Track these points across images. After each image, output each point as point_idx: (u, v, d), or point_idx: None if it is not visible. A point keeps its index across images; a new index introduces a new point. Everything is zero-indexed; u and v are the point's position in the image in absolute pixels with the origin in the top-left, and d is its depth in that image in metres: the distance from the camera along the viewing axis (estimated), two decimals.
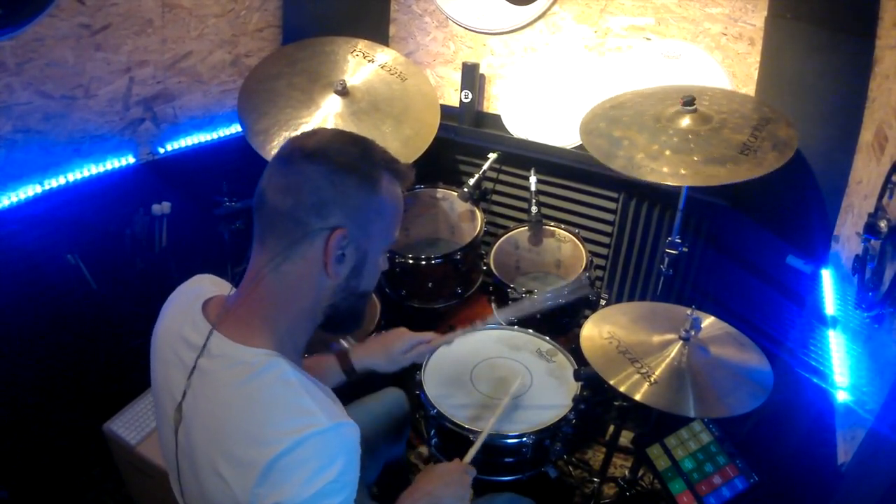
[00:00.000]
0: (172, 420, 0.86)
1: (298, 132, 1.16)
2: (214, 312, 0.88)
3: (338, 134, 0.87)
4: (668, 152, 1.49)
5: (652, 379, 1.29)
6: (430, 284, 1.97)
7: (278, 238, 0.82)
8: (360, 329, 1.01)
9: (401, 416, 1.49)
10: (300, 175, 0.81)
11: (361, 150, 0.85)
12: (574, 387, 1.49)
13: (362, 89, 1.95)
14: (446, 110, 2.16)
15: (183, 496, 0.92)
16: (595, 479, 1.85)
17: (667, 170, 1.46)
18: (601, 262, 2.19)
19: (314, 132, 0.88)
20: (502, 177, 2.26)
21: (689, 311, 1.36)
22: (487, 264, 1.97)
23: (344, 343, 1.27)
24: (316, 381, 0.84)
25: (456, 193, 2.13)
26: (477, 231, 2.03)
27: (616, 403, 1.74)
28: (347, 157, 0.83)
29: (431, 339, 1.30)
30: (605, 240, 2.19)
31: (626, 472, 1.77)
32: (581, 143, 1.66)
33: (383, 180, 0.85)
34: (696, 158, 1.45)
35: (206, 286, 0.96)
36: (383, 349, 1.27)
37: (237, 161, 1.98)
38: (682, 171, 1.44)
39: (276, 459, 0.72)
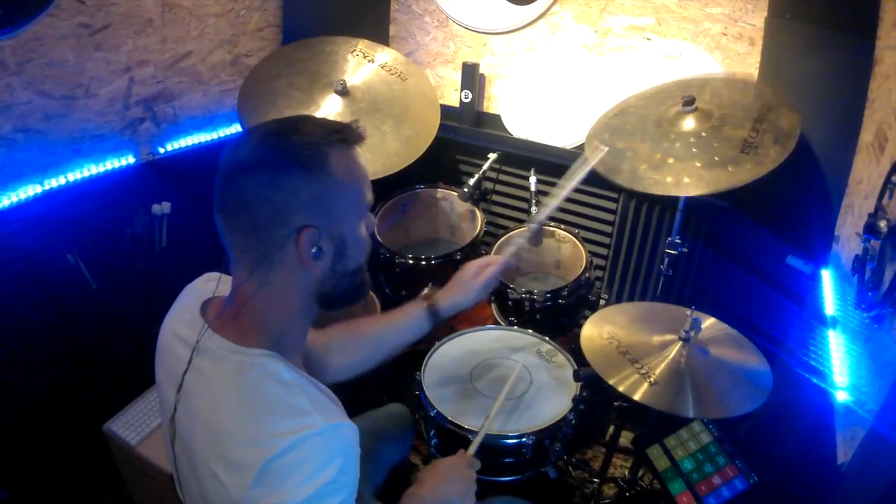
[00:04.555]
0: (168, 429, 0.86)
1: None
2: (213, 313, 0.88)
3: (266, 132, 0.80)
4: (670, 160, 1.49)
5: (652, 379, 1.29)
6: (430, 284, 1.96)
7: (250, 256, 0.81)
8: (365, 297, 1.10)
9: (404, 425, 1.50)
10: (244, 192, 0.77)
11: (298, 138, 0.78)
12: (574, 387, 1.49)
13: (362, 89, 1.95)
14: (446, 110, 2.16)
15: (184, 496, 0.92)
16: (595, 480, 1.84)
17: (670, 180, 1.47)
18: (601, 262, 2.19)
19: (241, 139, 0.81)
20: (502, 177, 2.26)
21: (688, 312, 1.36)
22: None
23: (426, 290, 1.41)
24: (314, 381, 0.84)
25: (456, 193, 2.13)
26: (477, 231, 2.03)
27: (616, 403, 1.74)
28: (284, 153, 0.77)
29: (491, 261, 1.40)
30: (605, 240, 2.18)
31: (626, 473, 1.77)
32: (581, 142, 1.66)
33: (330, 159, 0.79)
34: (697, 164, 1.45)
35: (210, 286, 0.96)
36: (459, 284, 1.35)
37: None
38: (686, 180, 1.45)
39: (271, 461, 0.72)
